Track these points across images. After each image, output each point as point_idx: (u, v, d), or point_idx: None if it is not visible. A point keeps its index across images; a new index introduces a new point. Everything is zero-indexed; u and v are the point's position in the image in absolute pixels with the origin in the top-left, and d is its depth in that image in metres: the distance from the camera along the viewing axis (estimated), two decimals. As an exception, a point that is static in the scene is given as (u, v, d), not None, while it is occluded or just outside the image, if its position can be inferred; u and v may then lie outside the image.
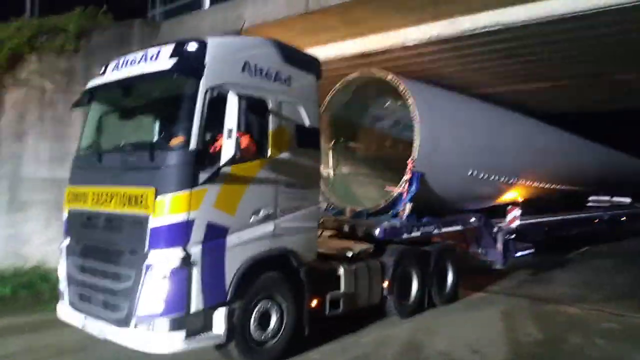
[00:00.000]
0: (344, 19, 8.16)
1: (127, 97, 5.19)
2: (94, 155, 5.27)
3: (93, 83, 5.56)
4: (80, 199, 5.23)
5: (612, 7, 6.62)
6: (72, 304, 5.16)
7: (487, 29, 7.69)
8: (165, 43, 5.02)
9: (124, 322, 4.49)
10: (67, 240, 5.45)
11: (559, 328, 6.82)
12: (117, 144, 5.32)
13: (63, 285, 5.33)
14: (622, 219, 15.77)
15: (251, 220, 4.93)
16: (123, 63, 5.29)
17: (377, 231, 7.16)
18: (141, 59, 5.06)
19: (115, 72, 5.34)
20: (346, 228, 7.56)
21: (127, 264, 4.58)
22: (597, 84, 11.12)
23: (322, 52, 8.73)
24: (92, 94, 5.55)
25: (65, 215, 5.52)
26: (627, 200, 15.72)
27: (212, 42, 4.82)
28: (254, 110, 4.89)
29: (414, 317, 7.14)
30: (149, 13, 11.86)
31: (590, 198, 14.24)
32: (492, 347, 5.94)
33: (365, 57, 9.04)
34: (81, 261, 5.12)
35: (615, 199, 15.15)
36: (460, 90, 10.27)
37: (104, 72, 5.57)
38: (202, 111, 4.54)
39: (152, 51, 5.00)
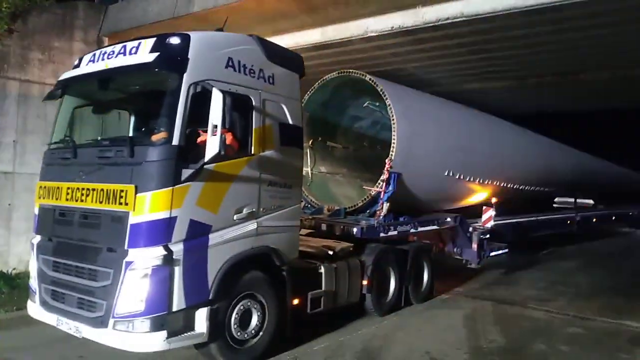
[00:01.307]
0: (302, 6, 7.95)
1: (103, 91, 5.04)
2: (68, 150, 5.08)
3: (66, 75, 5.37)
4: (53, 195, 5.02)
5: (571, 2, 6.56)
6: (43, 302, 4.96)
7: (450, 20, 7.52)
8: (146, 37, 4.88)
9: (101, 322, 4.35)
10: (39, 237, 5.24)
11: (523, 333, 6.68)
12: (93, 138, 5.15)
13: (34, 283, 5.12)
14: (593, 220, 16.33)
15: (234, 218, 4.87)
16: (100, 55, 5.12)
17: (354, 230, 7.22)
18: (119, 51, 4.90)
19: (91, 64, 5.16)
20: (324, 227, 7.57)
21: (105, 262, 4.44)
22: (563, 83, 11.26)
23: (280, 42, 8.36)
24: (66, 87, 5.36)
25: (36, 211, 5.31)
26: (590, 202, 16.34)
27: (195, 37, 4.73)
28: (238, 107, 4.82)
29: (383, 317, 7.08)
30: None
31: (556, 199, 14.74)
32: (452, 354, 5.71)
33: (325, 48, 8.88)
34: (54, 258, 4.94)
35: (580, 200, 15.71)
36: (425, 88, 10.22)
37: (78, 65, 5.38)
38: (185, 107, 4.44)
39: (131, 44, 4.85)
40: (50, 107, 8.79)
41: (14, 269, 8.69)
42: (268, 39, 7.07)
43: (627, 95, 13.02)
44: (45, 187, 5.17)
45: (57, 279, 4.85)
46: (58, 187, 4.96)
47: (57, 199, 4.95)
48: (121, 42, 5.04)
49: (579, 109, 15.81)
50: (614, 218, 17.67)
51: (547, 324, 7.17)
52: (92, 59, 5.18)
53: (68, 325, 4.65)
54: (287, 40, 8.63)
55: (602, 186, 16.47)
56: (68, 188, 4.83)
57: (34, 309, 5.09)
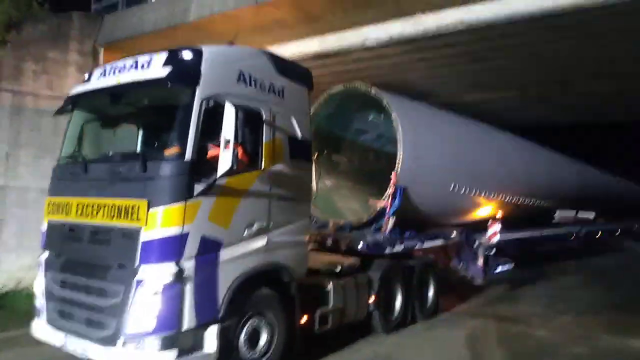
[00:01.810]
0: (298, 15, 7.87)
1: (115, 105, 5.00)
2: (79, 164, 5.04)
3: (77, 90, 5.36)
4: (62, 210, 4.97)
5: (576, 8, 6.52)
6: (50, 321, 4.87)
7: (451, 29, 7.43)
8: (157, 51, 4.87)
9: (110, 341, 4.26)
10: (46, 254, 5.17)
11: (527, 354, 6.54)
12: (104, 153, 5.11)
13: (40, 302, 5.03)
14: (597, 236, 16.20)
15: (244, 234, 4.81)
16: (110, 70, 5.10)
17: (360, 245, 7.16)
18: (131, 66, 4.89)
19: (102, 79, 5.14)
20: (329, 242, 7.51)
21: (115, 279, 4.37)
22: (565, 93, 11.20)
23: (279, 51, 8.21)
24: (76, 101, 5.34)
25: (44, 227, 5.24)
26: (591, 215, 16.31)
27: (207, 51, 4.73)
28: (249, 121, 4.78)
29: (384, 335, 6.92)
30: (93, 6, 11.37)
31: (556, 213, 14.71)
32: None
33: (324, 58, 8.77)
34: (62, 276, 4.86)
35: (580, 214, 15.71)
36: (425, 98, 10.13)
37: (89, 79, 5.37)
38: (198, 121, 4.42)
39: (143, 59, 4.84)
40: (45, 119, 8.87)
41: (4, 286, 8.40)
42: (266, 48, 7.14)
43: (631, 107, 12.97)
44: (54, 202, 5.12)
45: (65, 296, 4.77)
46: (68, 203, 4.90)
47: (66, 215, 4.89)
48: (131, 56, 5.04)
49: (582, 120, 15.73)
50: (618, 232, 17.57)
51: (551, 343, 7.03)
52: (102, 73, 5.17)
53: (74, 346, 4.55)
54: (285, 50, 8.57)
55: (605, 200, 16.40)
56: (78, 204, 4.77)
57: (40, 328, 4.99)
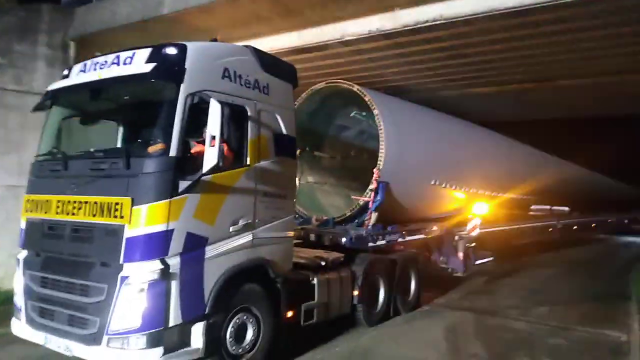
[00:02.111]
0: (277, 9, 7.78)
1: (96, 101, 4.93)
2: (58, 162, 4.94)
3: (56, 85, 5.24)
4: (42, 208, 4.88)
5: (554, 3, 6.49)
6: (30, 320, 4.79)
7: (429, 23, 7.41)
8: (139, 47, 4.80)
9: (94, 339, 4.22)
10: (24, 252, 5.07)
11: (505, 346, 6.55)
12: (85, 150, 5.01)
13: (20, 300, 4.94)
14: (574, 228, 16.65)
15: (230, 230, 4.81)
16: (91, 66, 5.02)
17: (343, 240, 7.23)
18: (113, 62, 4.81)
19: (82, 74, 5.05)
20: (313, 237, 7.56)
21: (98, 277, 4.32)
22: (543, 90, 11.35)
23: (256, 45, 8.25)
24: (55, 97, 5.24)
25: (22, 225, 5.13)
26: (566, 209, 16.76)
27: (192, 47, 4.68)
28: (234, 118, 4.77)
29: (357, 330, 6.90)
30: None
31: (532, 207, 15.06)
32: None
33: (302, 53, 8.71)
34: (42, 274, 4.78)
35: (555, 207, 16.13)
36: (404, 94, 10.18)
37: (67, 75, 5.26)
38: (183, 117, 4.39)
39: (125, 54, 4.77)
40: (12, 114, 8.70)
41: None
42: (243, 43, 6.98)
43: (605, 103, 13.26)
44: (33, 200, 5.02)
45: (46, 295, 4.69)
46: (47, 200, 4.81)
47: (46, 213, 4.81)
48: (113, 52, 4.95)
49: (559, 116, 16.00)
50: (594, 225, 18.05)
51: (528, 335, 7.11)
52: (82, 69, 5.07)
53: (57, 344, 4.49)
54: (262, 44, 8.19)
55: (581, 193, 16.88)
56: (58, 201, 4.69)
57: (19, 328, 4.90)
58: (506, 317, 7.95)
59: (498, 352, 6.31)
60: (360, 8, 7.62)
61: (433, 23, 7.39)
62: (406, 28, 7.60)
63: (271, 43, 8.58)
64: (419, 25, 7.49)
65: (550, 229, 15.04)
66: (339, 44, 8.33)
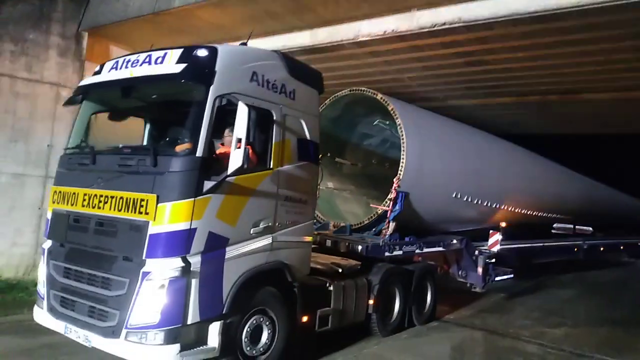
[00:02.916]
0: (289, 5, 7.64)
1: (126, 98, 5.02)
2: (86, 155, 5.05)
3: (87, 81, 5.38)
4: (68, 200, 4.98)
5: (578, 8, 6.13)
6: (51, 309, 4.89)
7: (447, 26, 7.11)
8: (171, 48, 4.90)
9: (113, 332, 4.28)
10: (49, 242, 5.18)
11: None
12: (112, 145, 5.10)
13: (42, 289, 5.05)
14: (601, 249, 16.15)
15: (251, 232, 4.85)
16: (123, 63, 5.12)
17: (360, 248, 7.21)
18: (144, 60, 4.91)
19: (113, 71, 5.16)
20: (329, 243, 7.55)
21: (120, 271, 4.39)
22: (566, 102, 10.95)
23: (268, 44, 8.15)
24: (86, 92, 5.37)
25: (48, 215, 5.25)
26: (589, 229, 16.38)
27: (222, 50, 4.76)
28: (260, 121, 4.82)
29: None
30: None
31: (555, 225, 14.79)
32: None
33: (315, 53, 8.52)
34: (65, 264, 4.88)
35: (578, 227, 15.77)
36: (420, 102, 9.98)
37: (99, 71, 5.38)
38: (210, 119, 4.45)
39: (156, 54, 4.87)
40: (22, 102, 8.76)
41: None
42: (256, 40, 6.88)
43: (635, 120, 12.69)
44: (60, 192, 5.13)
45: (68, 285, 4.79)
46: (74, 193, 4.91)
47: (72, 205, 4.91)
48: (145, 51, 5.06)
49: (584, 132, 15.57)
50: (622, 247, 17.49)
51: None
52: (114, 66, 5.18)
53: (77, 334, 4.57)
54: (275, 43, 8.37)
55: (606, 214, 16.43)
56: (85, 194, 4.79)
57: (41, 316, 5.01)
58: (518, 339, 7.55)
59: None
60: (375, 7, 7.41)
61: (450, 26, 7.13)
62: (423, 30, 7.34)
63: (284, 42, 8.46)
64: (436, 28, 7.21)
65: (576, 249, 14.60)
66: (353, 44, 8.13)
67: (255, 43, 7.25)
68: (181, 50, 4.73)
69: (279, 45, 8.32)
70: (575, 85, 9.87)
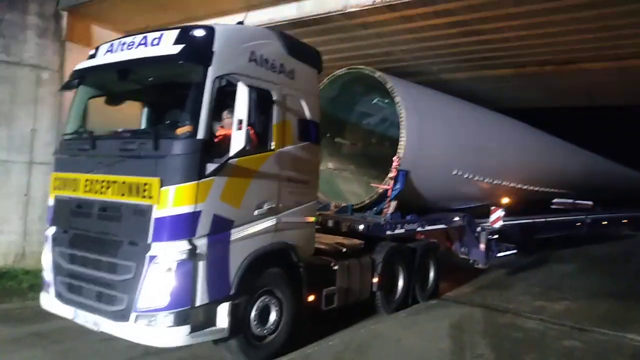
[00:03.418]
0: None
1: (122, 82, 4.95)
2: (85, 141, 5.00)
3: (83, 65, 5.27)
4: (70, 186, 4.95)
5: None
6: (59, 295, 4.90)
7: None
8: (167, 28, 4.81)
9: (122, 316, 4.31)
10: (53, 229, 5.16)
11: (513, 347, 6.01)
12: (113, 130, 5.04)
13: (48, 276, 5.05)
14: (603, 223, 16.08)
15: (255, 213, 4.84)
16: (118, 46, 5.03)
17: (361, 227, 7.24)
18: (140, 42, 4.83)
19: (109, 54, 5.08)
20: (330, 223, 7.57)
21: (126, 255, 4.39)
22: (564, 73, 10.64)
23: (254, 18, 7.96)
24: (82, 77, 5.28)
25: (50, 202, 5.23)
26: (590, 203, 16.38)
27: (219, 29, 4.68)
28: (260, 102, 4.76)
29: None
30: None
31: (554, 200, 14.81)
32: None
33: (302, 26, 8.25)
34: (70, 251, 4.87)
35: (578, 202, 15.78)
36: (414, 76, 9.76)
37: (94, 55, 5.30)
38: (210, 100, 4.40)
39: (152, 35, 4.78)
40: (1, 86, 8.26)
41: None
42: (240, 14, 6.65)
43: (634, 90, 12.37)
44: (61, 178, 5.09)
45: (74, 271, 4.79)
46: (75, 179, 4.88)
47: (74, 191, 4.88)
48: (140, 33, 4.97)
49: (582, 104, 15.19)
50: (624, 221, 17.43)
51: (540, 335, 6.53)
52: (110, 49, 5.10)
53: (85, 319, 4.60)
54: (261, 17, 8.12)
55: (607, 188, 16.32)
56: (86, 180, 4.76)
57: (48, 301, 5.03)
58: (518, 315, 7.43)
59: (505, 352, 5.81)
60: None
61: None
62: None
63: (270, 15, 8.21)
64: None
65: (579, 223, 14.56)
66: (342, 16, 7.86)
67: (239, 17, 7.08)
68: (178, 31, 4.65)
69: (265, 19, 8.09)
70: (572, 54, 9.61)
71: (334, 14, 7.82)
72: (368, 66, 8.23)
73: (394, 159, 7.69)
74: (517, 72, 10.88)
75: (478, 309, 7.69)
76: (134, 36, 4.97)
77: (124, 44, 4.98)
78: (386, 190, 7.78)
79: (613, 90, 12.88)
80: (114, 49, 5.06)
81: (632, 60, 9.66)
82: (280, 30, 5.47)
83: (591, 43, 8.94)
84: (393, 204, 7.77)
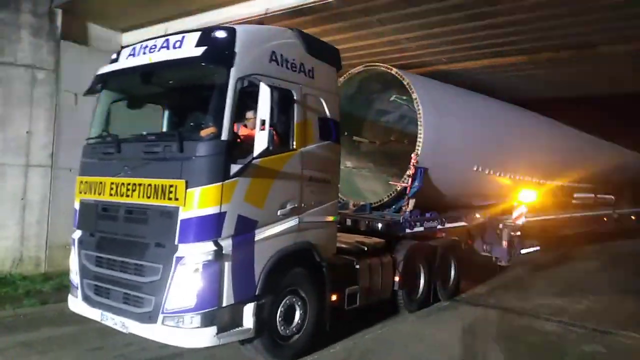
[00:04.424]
0: None
1: (146, 85, 5.00)
2: (110, 144, 5.05)
3: (106, 69, 5.34)
4: (95, 190, 5.01)
5: None
6: (86, 297, 4.97)
7: None
8: (189, 31, 4.84)
9: (150, 318, 4.35)
10: (79, 232, 5.24)
11: (529, 353, 5.71)
12: (137, 133, 5.10)
13: (75, 278, 5.12)
14: (632, 217, 15.73)
15: (278, 214, 4.85)
16: (140, 49, 5.08)
17: (379, 226, 7.20)
18: (162, 45, 4.86)
19: (131, 58, 5.12)
20: (349, 222, 7.56)
21: (153, 257, 4.43)
22: (580, 59, 10.10)
23: (248, 8, 7.90)
24: (105, 81, 5.34)
25: (76, 205, 5.30)
26: (611, 197, 16.01)
27: (240, 30, 4.69)
28: (281, 102, 4.77)
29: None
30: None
31: (575, 195, 14.54)
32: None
33: (302, 15, 7.98)
34: (97, 253, 4.93)
35: (600, 195, 15.45)
36: (422, 67, 9.54)
37: (116, 59, 5.34)
38: (233, 101, 4.41)
39: (174, 38, 4.81)
40: None
41: None
42: (234, 6, 6.37)
43: None
44: (86, 182, 5.16)
45: (101, 274, 4.85)
46: (101, 182, 4.94)
47: (100, 194, 4.94)
48: (162, 36, 5.01)
49: (601, 93, 14.31)
50: None
51: (559, 339, 6.16)
52: (132, 52, 5.14)
53: (114, 321, 4.65)
54: (257, 6, 7.94)
55: (632, 181, 15.86)
56: (112, 183, 4.81)
57: (76, 304, 5.09)
58: (536, 317, 7.08)
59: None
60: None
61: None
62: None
63: (266, 4, 7.98)
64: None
65: (606, 219, 14.27)
66: (343, 2, 7.63)
67: (234, 9, 6.90)
68: (199, 33, 4.68)
69: (262, 9, 7.88)
70: (589, 37, 9.07)
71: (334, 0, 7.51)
72: (371, 57, 7.95)
73: (412, 156, 7.64)
74: (532, 59, 10.33)
75: (494, 310, 7.44)
76: (155, 39, 5.01)
77: (146, 47, 5.02)
78: (405, 188, 7.73)
79: (634, 76, 11.91)
80: (136, 53, 5.10)
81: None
82: (299, 29, 5.44)
83: (608, 22, 8.35)
84: (412, 201, 7.72)
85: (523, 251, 9.46)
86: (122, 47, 5.45)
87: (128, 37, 9.57)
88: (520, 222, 9.13)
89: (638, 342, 6.15)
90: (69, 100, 8.74)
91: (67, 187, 7.42)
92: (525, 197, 9.15)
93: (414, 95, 7.76)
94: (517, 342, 6.01)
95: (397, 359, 5.44)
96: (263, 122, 4.34)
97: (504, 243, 8.94)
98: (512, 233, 9.05)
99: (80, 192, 5.24)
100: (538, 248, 9.90)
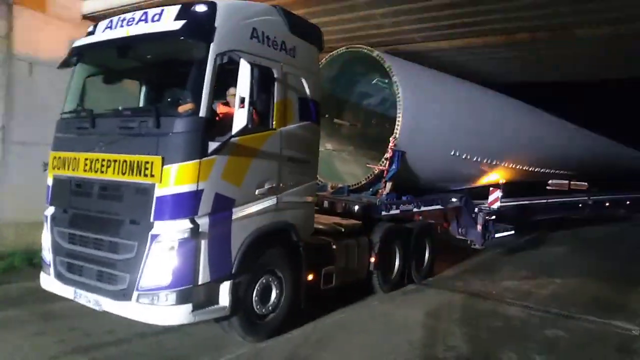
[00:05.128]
0: None
1: (123, 59, 4.86)
2: (85, 119, 4.92)
3: (81, 41, 5.16)
4: (69, 166, 4.90)
5: None
6: (59, 275, 4.89)
7: None
8: (168, 4, 4.71)
9: (124, 295, 4.32)
10: (52, 209, 5.13)
11: (491, 337, 5.64)
12: (111, 108, 4.98)
13: (48, 256, 5.04)
14: (606, 205, 16.07)
15: (256, 193, 4.84)
16: (117, 22, 4.93)
17: (356, 208, 7.27)
18: (140, 18, 4.72)
19: (108, 31, 4.97)
20: (326, 204, 7.60)
21: (128, 235, 4.38)
22: (557, 41, 9.96)
23: None
24: (81, 54, 5.17)
25: (49, 182, 5.18)
26: (585, 184, 16.36)
27: (221, 5, 4.58)
28: (261, 80, 4.67)
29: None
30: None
31: (550, 182, 14.85)
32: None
33: None
34: (70, 230, 4.85)
35: (573, 182, 15.79)
36: (395, 45, 9.42)
37: (93, 31, 5.19)
38: (212, 78, 4.34)
39: (153, 11, 4.68)
40: None
41: None
42: None
43: (631, 59, 11.21)
44: (59, 157, 5.03)
45: (74, 251, 4.78)
46: (75, 158, 4.83)
47: (73, 170, 4.83)
48: (141, 9, 4.87)
49: (577, 78, 14.36)
50: (628, 202, 17.27)
51: (522, 323, 6.19)
52: (109, 25, 4.99)
53: (87, 298, 4.60)
54: None
55: (607, 168, 16.14)
56: (86, 159, 4.71)
57: (48, 282, 5.02)
58: (500, 302, 7.05)
59: (482, 344, 5.42)
60: None
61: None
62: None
63: None
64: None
65: (581, 205, 14.57)
66: None
67: None
68: (179, 6, 4.55)
69: None
70: (566, 18, 8.86)
71: None
72: (344, 34, 7.75)
73: (390, 139, 7.69)
74: (508, 40, 10.12)
75: (459, 294, 7.40)
76: (133, 12, 4.87)
77: (123, 20, 4.87)
78: (383, 171, 7.80)
79: (612, 61, 11.92)
80: (113, 26, 4.95)
81: (629, 24, 8.80)
82: (282, 7, 5.36)
83: (586, 3, 8.19)
84: (389, 184, 7.82)
85: (497, 235, 9.66)
86: (100, 20, 5.23)
87: (89, 5, 8.99)
88: (495, 206, 9.32)
89: (599, 326, 6.22)
90: (22, 69, 8.00)
91: (20, 163, 7.10)
92: (500, 181, 9.32)
93: (394, 79, 7.79)
94: (480, 327, 5.97)
95: (356, 344, 5.26)
96: (242, 100, 4.29)
97: (479, 227, 9.13)
98: (487, 217, 9.25)
99: (54, 168, 5.12)
100: (512, 232, 10.13)
